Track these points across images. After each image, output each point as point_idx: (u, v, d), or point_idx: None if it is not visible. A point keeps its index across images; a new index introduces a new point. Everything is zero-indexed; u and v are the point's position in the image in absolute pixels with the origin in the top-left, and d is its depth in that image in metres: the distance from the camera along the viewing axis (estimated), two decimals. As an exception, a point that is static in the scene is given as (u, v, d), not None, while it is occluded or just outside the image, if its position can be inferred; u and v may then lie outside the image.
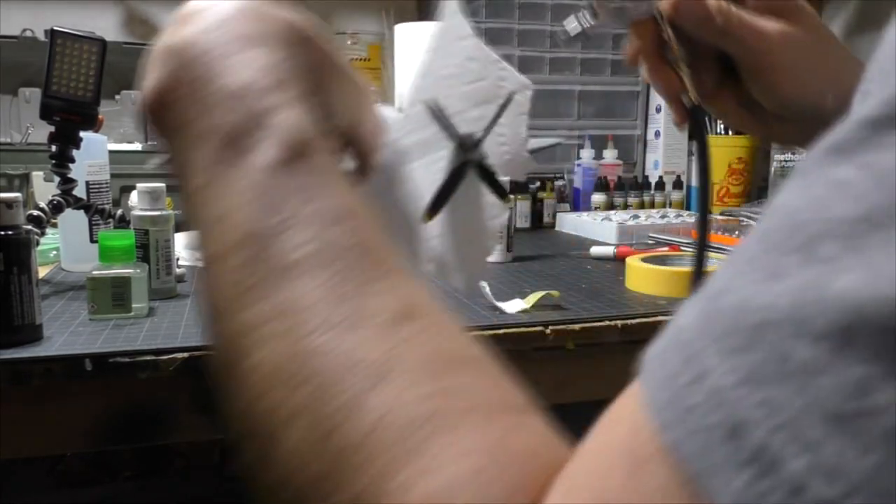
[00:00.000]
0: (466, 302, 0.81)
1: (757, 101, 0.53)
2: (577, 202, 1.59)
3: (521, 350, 0.72)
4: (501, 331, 0.71)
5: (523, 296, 0.80)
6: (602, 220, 1.33)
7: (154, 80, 0.34)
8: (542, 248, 1.21)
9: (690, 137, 0.58)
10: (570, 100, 1.65)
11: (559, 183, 1.57)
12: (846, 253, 0.15)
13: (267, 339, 0.27)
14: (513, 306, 0.77)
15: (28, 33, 1.37)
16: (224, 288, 0.29)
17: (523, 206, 1.40)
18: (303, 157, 0.30)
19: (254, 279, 0.28)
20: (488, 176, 0.50)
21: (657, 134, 1.67)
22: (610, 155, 1.63)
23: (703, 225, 0.51)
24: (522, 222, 1.39)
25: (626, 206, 1.53)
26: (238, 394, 0.28)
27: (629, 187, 1.57)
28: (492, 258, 1.07)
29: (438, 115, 0.48)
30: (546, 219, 1.46)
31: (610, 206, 1.53)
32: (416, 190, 0.48)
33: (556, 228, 1.43)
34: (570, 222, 1.39)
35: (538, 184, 1.50)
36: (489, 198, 0.50)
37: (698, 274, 0.50)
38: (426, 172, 0.48)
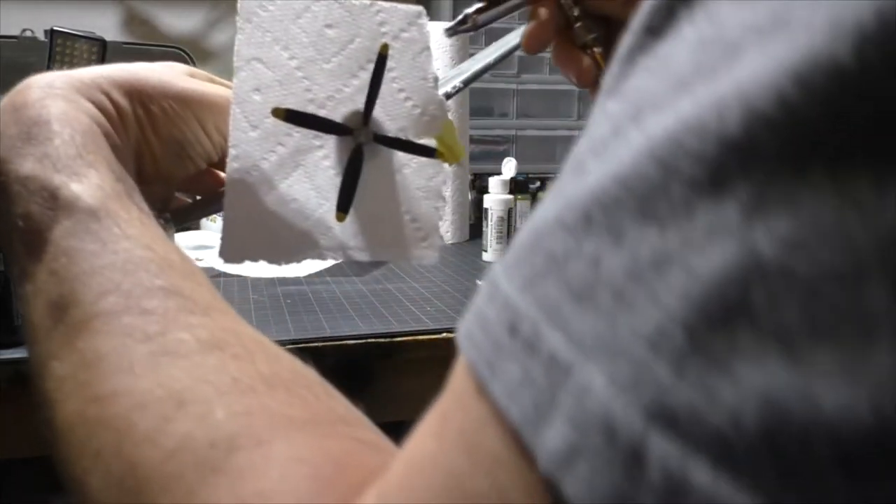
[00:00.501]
0: (466, 302, 0.81)
1: None
2: (577, 202, 1.59)
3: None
4: (501, 331, 0.71)
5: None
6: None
7: None
8: (542, 248, 1.21)
9: None
10: (570, 100, 1.65)
11: (559, 183, 1.56)
12: (595, 160, 0.18)
13: (67, 392, 0.28)
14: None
15: (28, 33, 1.37)
16: (36, 353, 0.31)
17: (523, 205, 1.40)
18: (97, 220, 0.32)
19: (58, 340, 0.30)
20: (396, 143, 0.43)
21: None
22: (610, 155, 1.62)
23: None
24: (522, 222, 1.39)
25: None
26: (54, 443, 0.29)
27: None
28: (492, 258, 1.07)
29: (295, 118, 0.41)
30: (546, 219, 1.46)
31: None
32: (311, 200, 0.42)
33: (556, 228, 1.43)
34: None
35: (538, 184, 1.50)
36: (417, 162, 0.44)
37: None
38: (316, 177, 0.42)
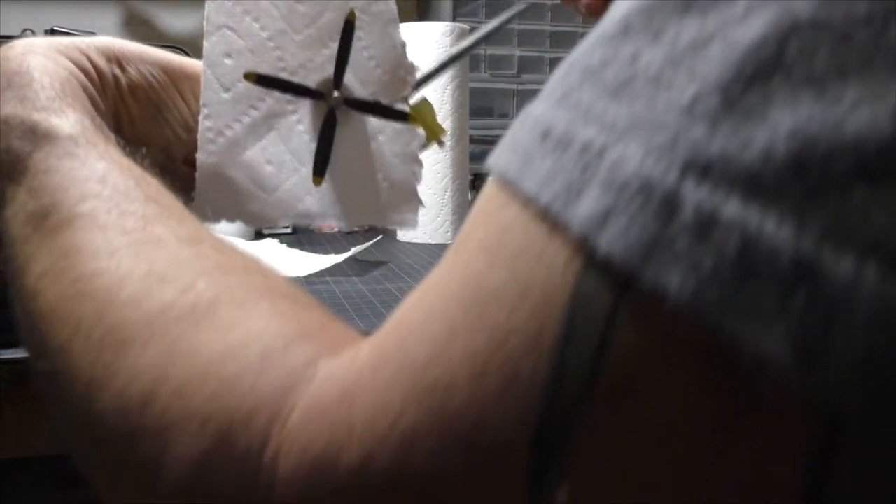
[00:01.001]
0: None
1: None
2: (577, 202, 1.59)
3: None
4: (501, 331, 0.71)
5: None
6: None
7: None
8: (542, 248, 1.21)
9: None
10: (570, 100, 1.65)
11: (559, 183, 1.57)
12: None
13: (48, 282, 0.29)
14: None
15: (28, 33, 1.37)
16: (16, 264, 0.31)
17: (523, 206, 1.40)
18: (77, 145, 0.33)
19: (37, 242, 0.30)
20: (369, 107, 0.43)
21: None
22: (610, 155, 1.62)
23: None
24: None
25: None
26: (32, 334, 0.29)
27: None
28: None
29: (268, 81, 0.42)
30: (546, 219, 1.46)
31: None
32: (286, 163, 0.43)
33: (556, 228, 1.43)
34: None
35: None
36: (391, 128, 0.44)
37: None
38: (290, 141, 0.43)
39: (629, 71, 0.17)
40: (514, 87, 1.59)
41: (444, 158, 1.23)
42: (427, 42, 1.21)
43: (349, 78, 0.43)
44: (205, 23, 0.42)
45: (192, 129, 0.45)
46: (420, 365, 0.19)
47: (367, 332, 0.74)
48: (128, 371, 0.24)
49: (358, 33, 0.42)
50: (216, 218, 0.43)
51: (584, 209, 0.17)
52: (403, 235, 1.27)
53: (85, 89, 0.39)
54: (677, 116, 0.16)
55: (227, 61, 0.42)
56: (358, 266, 1.02)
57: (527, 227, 0.18)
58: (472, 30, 1.31)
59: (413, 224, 0.45)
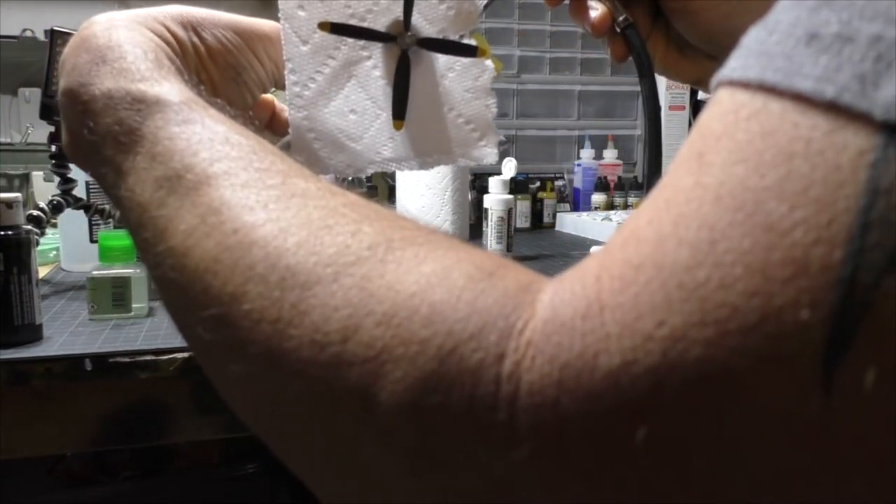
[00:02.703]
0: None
1: (687, 42, 0.49)
2: (577, 202, 1.59)
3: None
4: (501, 331, 0.71)
5: (523, 296, 0.80)
6: (602, 220, 1.33)
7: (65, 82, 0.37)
8: (542, 248, 1.21)
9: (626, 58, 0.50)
10: (570, 100, 1.65)
11: (559, 183, 1.57)
12: None
13: (200, 237, 0.28)
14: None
15: (28, 33, 1.37)
16: (149, 228, 0.31)
17: (523, 205, 1.40)
18: (190, 109, 0.33)
19: (174, 204, 0.30)
20: (440, 45, 0.43)
21: (657, 134, 1.67)
22: (610, 155, 1.63)
23: (656, 154, 0.49)
24: (522, 222, 1.39)
25: (626, 206, 1.53)
26: (187, 288, 0.28)
27: (629, 187, 1.57)
28: (492, 258, 1.07)
29: (341, 29, 0.43)
30: (546, 219, 1.46)
31: (610, 206, 1.53)
32: (367, 111, 0.44)
33: (556, 228, 1.43)
34: (570, 222, 1.39)
35: (538, 184, 1.50)
36: (460, 64, 0.44)
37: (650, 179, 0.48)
38: (369, 87, 0.44)
39: None
40: (514, 87, 1.59)
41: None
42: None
43: (416, 17, 0.43)
44: None
45: (268, 90, 0.45)
46: (683, 267, 0.19)
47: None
48: (320, 308, 0.24)
49: None
50: (314, 171, 0.43)
51: (886, 94, 0.17)
52: (403, 235, 1.27)
53: (171, 60, 0.38)
54: None
55: (301, 13, 0.42)
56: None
57: (799, 124, 0.18)
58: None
59: (493, 158, 0.45)
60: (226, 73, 0.43)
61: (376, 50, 0.43)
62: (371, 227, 0.26)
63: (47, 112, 0.77)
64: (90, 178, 1.00)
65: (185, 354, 0.61)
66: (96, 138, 0.34)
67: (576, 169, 1.61)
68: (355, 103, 0.44)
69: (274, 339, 0.25)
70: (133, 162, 0.32)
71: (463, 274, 0.23)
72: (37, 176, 1.19)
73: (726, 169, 0.19)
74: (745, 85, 0.20)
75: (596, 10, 0.48)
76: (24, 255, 0.62)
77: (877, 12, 0.18)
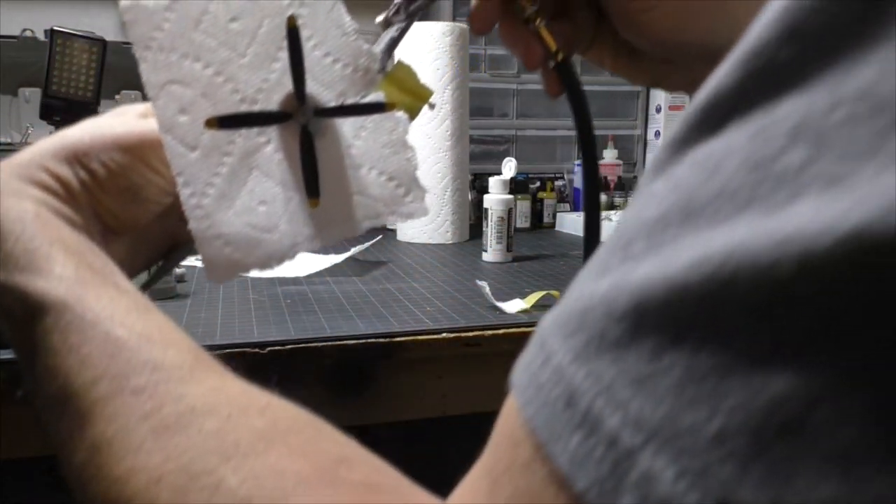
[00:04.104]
0: (466, 302, 0.81)
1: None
2: (578, 202, 1.59)
3: (521, 350, 0.72)
4: (501, 331, 0.71)
5: (523, 296, 0.80)
6: (602, 220, 1.33)
7: None
8: (542, 248, 1.21)
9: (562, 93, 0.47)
10: (570, 100, 1.65)
11: (559, 183, 1.57)
12: (648, 248, 0.18)
13: (88, 477, 0.31)
14: (513, 306, 0.77)
15: (28, 33, 1.37)
16: (55, 437, 0.34)
17: (523, 205, 1.40)
18: (71, 310, 0.34)
19: (66, 429, 0.33)
20: (342, 111, 0.40)
21: (657, 134, 1.67)
22: (610, 155, 1.63)
23: (593, 190, 0.47)
24: (522, 222, 1.39)
25: (626, 206, 1.53)
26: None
27: (629, 187, 1.57)
28: (492, 258, 1.07)
29: (230, 121, 0.39)
30: (546, 219, 1.46)
31: (610, 206, 1.53)
32: (278, 197, 0.40)
33: (556, 228, 1.43)
34: (571, 222, 1.39)
35: (538, 184, 1.50)
36: (371, 121, 0.40)
37: (589, 244, 0.46)
38: (274, 173, 0.40)
39: (650, 367, 0.17)
40: (514, 87, 1.59)
41: (444, 158, 1.23)
42: (427, 42, 1.21)
43: (311, 86, 0.39)
44: (146, 88, 0.39)
45: (174, 192, 0.43)
46: None
47: (368, 334, 0.73)
48: None
49: (304, 33, 0.39)
50: (229, 277, 0.41)
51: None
52: (403, 235, 1.27)
53: (59, 213, 0.38)
54: (705, 445, 0.16)
55: (183, 118, 0.39)
56: (358, 266, 1.02)
57: (564, 501, 0.18)
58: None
59: (423, 212, 0.41)
60: (122, 197, 0.41)
61: (274, 132, 0.40)
62: (234, 475, 0.28)
63: (47, 112, 0.77)
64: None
65: (185, 354, 0.61)
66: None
67: (576, 169, 1.61)
68: (262, 194, 0.40)
69: None
70: (31, 363, 0.35)
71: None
72: (37, 176, 1.19)
73: None
74: (524, 419, 0.20)
75: (529, 42, 0.45)
76: (24, 255, 0.62)
77: (617, 402, 0.17)
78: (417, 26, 1.25)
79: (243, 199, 0.40)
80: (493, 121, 1.61)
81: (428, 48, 1.21)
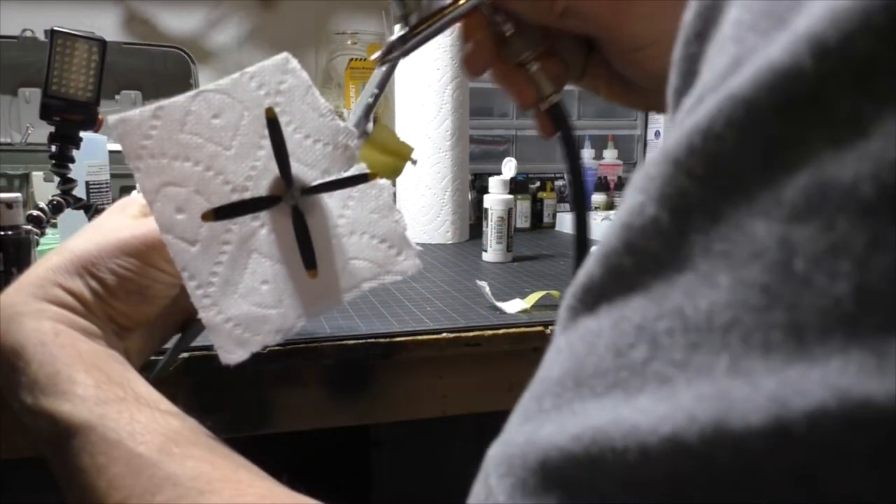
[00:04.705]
0: (466, 302, 0.81)
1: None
2: (577, 202, 1.59)
3: (521, 350, 0.72)
4: (501, 331, 0.71)
5: (523, 296, 0.80)
6: (602, 220, 1.33)
7: None
8: (542, 248, 1.21)
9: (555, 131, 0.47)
10: (570, 100, 1.65)
11: (559, 183, 1.57)
12: (553, 407, 0.19)
13: None
14: (513, 306, 0.77)
15: (28, 33, 1.37)
16: None
17: (523, 205, 1.40)
18: (95, 431, 0.36)
19: None
20: (328, 187, 0.42)
21: (657, 134, 1.67)
22: (610, 155, 1.63)
23: (582, 225, 0.48)
24: (522, 222, 1.39)
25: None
26: None
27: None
28: (492, 258, 1.07)
29: (225, 212, 0.41)
30: (546, 219, 1.46)
31: (610, 206, 1.53)
32: (279, 275, 0.43)
33: (556, 228, 1.43)
34: (571, 222, 1.39)
35: (538, 184, 1.50)
36: (357, 191, 0.43)
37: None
38: (273, 253, 0.43)
39: None
40: (514, 87, 1.59)
41: (445, 158, 1.23)
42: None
43: (296, 167, 0.42)
44: (143, 194, 0.41)
45: (180, 283, 0.44)
46: None
47: (368, 334, 0.73)
48: None
49: (282, 119, 0.41)
50: (242, 357, 0.42)
51: None
52: (403, 235, 1.27)
53: (75, 326, 0.41)
54: None
55: (181, 217, 0.41)
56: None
57: None
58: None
59: (416, 268, 0.44)
60: (132, 299, 0.44)
61: (266, 215, 0.42)
62: None
63: (47, 112, 0.77)
64: (90, 178, 1.00)
65: (186, 354, 0.61)
66: (35, 432, 0.39)
67: (576, 169, 1.61)
68: (264, 274, 0.43)
69: None
70: (66, 478, 0.37)
71: None
72: (37, 176, 1.19)
73: None
74: None
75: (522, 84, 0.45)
76: (23, 255, 0.62)
77: None
78: (417, 26, 1.25)
79: (246, 281, 0.42)
80: (493, 121, 1.61)
81: (428, 48, 1.21)
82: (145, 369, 0.48)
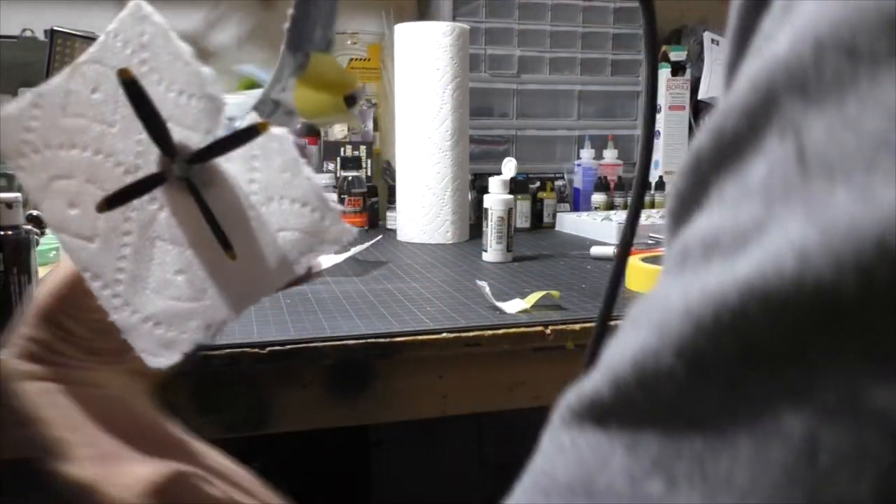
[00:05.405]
0: (466, 302, 0.81)
1: None
2: (577, 202, 1.59)
3: (521, 350, 0.72)
4: (501, 331, 0.71)
5: (523, 296, 0.80)
6: (602, 220, 1.33)
7: None
8: (542, 248, 1.21)
9: None
10: (570, 100, 1.65)
11: (559, 183, 1.57)
12: None
13: None
14: (513, 306, 0.77)
15: (28, 33, 1.37)
16: None
17: (523, 206, 1.40)
18: (93, 494, 0.38)
19: None
20: (216, 149, 0.34)
21: (657, 134, 1.67)
22: (610, 155, 1.63)
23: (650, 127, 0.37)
24: (522, 222, 1.39)
25: (626, 206, 1.53)
26: None
27: (629, 187, 1.57)
28: (492, 258, 1.07)
29: (116, 199, 0.35)
30: (546, 219, 1.46)
31: (610, 206, 1.53)
32: (193, 263, 0.36)
33: (556, 228, 1.43)
34: (570, 222, 1.39)
35: (538, 184, 1.50)
36: (258, 147, 0.35)
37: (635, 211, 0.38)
38: (178, 237, 0.36)
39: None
40: (514, 87, 1.59)
41: (445, 158, 1.23)
42: (427, 42, 1.21)
43: (179, 133, 0.35)
44: (30, 194, 0.37)
45: None
46: None
47: (368, 334, 0.73)
48: None
49: (152, 77, 0.35)
50: (173, 359, 0.37)
51: None
52: (403, 235, 1.27)
53: (59, 379, 0.41)
54: None
55: (74, 212, 0.36)
56: (358, 266, 1.02)
57: None
58: (471, 29, 1.31)
59: (349, 235, 0.35)
60: (99, 333, 0.41)
61: (160, 194, 0.36)
62: None
63: (47, 112, 0.77)
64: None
65: (185, 354, 0.61)
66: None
67: (576, 169, 1.61)
68: (174, 263, 0.36)
69: None
70: None
71: None
72: (37, 176, 1.19)
73: None
74: None
75: None
76: (24, 255, 0.62)
77: None
78: (418, 26, 1.25)
79: (156, 273, 0.37)
80: (493, 121, 1.61)
81: (428, 48, 1.21)
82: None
